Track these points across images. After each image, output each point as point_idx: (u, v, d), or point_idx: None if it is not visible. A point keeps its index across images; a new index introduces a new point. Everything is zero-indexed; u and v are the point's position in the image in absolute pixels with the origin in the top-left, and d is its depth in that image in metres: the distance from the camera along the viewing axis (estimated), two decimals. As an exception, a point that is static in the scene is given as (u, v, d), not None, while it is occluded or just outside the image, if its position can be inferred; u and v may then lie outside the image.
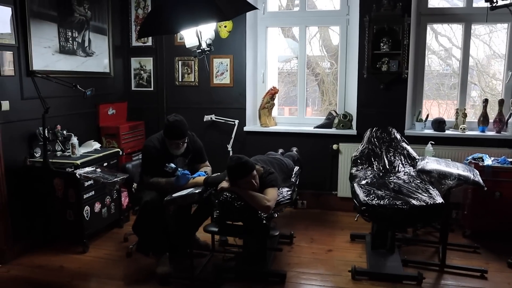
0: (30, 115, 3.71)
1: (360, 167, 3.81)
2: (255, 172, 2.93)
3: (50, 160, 3.66)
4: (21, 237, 3.71)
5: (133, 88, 5.28)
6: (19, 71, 3.64)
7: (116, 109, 4.96)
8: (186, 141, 3.41)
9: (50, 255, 3.71)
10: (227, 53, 4.95)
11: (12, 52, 3.57)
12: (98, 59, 4.66)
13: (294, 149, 4.59)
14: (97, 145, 4.22)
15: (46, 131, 3.60)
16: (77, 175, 3.25)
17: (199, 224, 3.51)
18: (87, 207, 3.77)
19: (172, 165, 3.28)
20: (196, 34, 4.05)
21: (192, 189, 3.22)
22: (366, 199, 2.93)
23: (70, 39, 4.23)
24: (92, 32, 4.53)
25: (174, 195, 3.16)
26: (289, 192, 3.27)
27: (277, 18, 5.05)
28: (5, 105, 3.52)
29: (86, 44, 4.46)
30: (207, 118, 4.95)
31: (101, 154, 4.01)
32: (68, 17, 4.18)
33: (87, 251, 3.78)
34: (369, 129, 4.27)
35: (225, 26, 4.86)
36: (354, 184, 3.28)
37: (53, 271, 3.45)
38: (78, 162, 3.67)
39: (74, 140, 3.85)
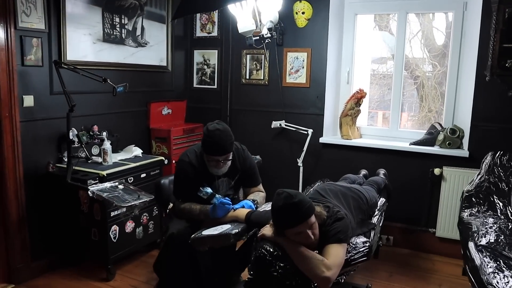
0: (61, 112, 3.07)
1: (476, 209, 2.59)
2: (313, 218, 1.91)
3: (76, 168, 2.99)
4: (40, 255, 3.10)
5: (195, 85, 4.50)
6: (49, 61, 3.01)
7: (173, 109, 4.22)
8: (229, 158, 2.50)
9: (69, 279, 3.06)
10: (304, 46, 3.94)
11: (40, 38, 2.94)
12: (152, 50, 3.94)
13: (382, 171, 3.46)
14: (138, 151, 3.49)
15: (71, 133, 2.92)
16: (89, 192, 2.51)
17: (245, 265, 2.59)
18: (115, 227, 3.04)
19: (208, 189, 2.39)
20: (252, 15, 3.09)
21: (230, 226, 2.30)
22: (493, 281, 1.73)
23: (118, 26, 3.54)
24: (146, 19, 3.82)
25: (204, 232, 2.28)
26: (367, 244, 2.20)
27: (370, 3, 3.90)
28: (29, 100, 2.92)
29: (138, 32, 3.75)
30: (275, 124, 3.99)
31: (138, 164, 3.27)
32: (116, 0, 3.49)
33: (112, 279, 3.06)
34: (489, 153, 3.00)
35: (303, 13, 3.86)
36: (470, 245, 2.09)
37: (65, 303, 2.77)
38: (105, 173, 2.95)
39: (107, 144, 3.14)
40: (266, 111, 4.18)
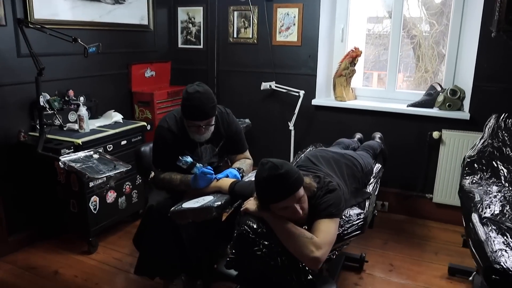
0: (31, 77, 2.79)
1: (478, 176, 2.41)
2: (302, 191, 1.70)
3: (49, 136, 2.76)
4: (18, 229, 2.93)
5: (179, 45, 4.20)
6: (13, 19, 2.71)
7: (156, 71, 3.94)
8: (212, 123, 2.27)
9: (49, 253, 2.89)
10: (296, 1, 3.63)
11: (1, -6, 2.63)
12: (132, 8, 3.62)
13: (378, 135, 3.25)
14: (118, 117, 3.25)
15: (41, 99, 2.67)
16: (60, 164, 2.29)
17: (232, 237, 2.43)
18: (94, 197, 2.85)
19: (188, 158, 2.18)
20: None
21: (212, 198, 2.11)
22: (500, 259, 1.55)
23: (91, -21, 3.21)
24: (123, -28, 3.47)
25: (184, 204, 2.09)
26: (361, 216, 2.02)
27: (367, -47, 3.56)
28: (-9, 63, 2.64)
29: (115, -13, 3.42)
30: (265, 86, 3.74)
31: (118, 130, 3.03)
32: (88, -51, 3.14)
33: (94, 252, 2.91)
34: (493, 116, 2.79)
35: (294, -36, 3.52)
36: (473, 217, 1.90)
37: (44, 278, 2.62)
38: (80, 141, 2.72)
39: (82, 110, 2.89)
40: (255, 72, 3.91)
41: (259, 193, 1.72)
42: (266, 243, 1.62)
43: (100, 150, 2.64)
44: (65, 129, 2.95)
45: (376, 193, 2.50)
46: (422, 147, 3.40)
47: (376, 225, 3.19)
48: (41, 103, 2.66)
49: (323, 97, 3.80)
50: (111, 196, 3.00)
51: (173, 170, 2.30)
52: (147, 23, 3.81)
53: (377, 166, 2.76)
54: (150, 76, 3.91)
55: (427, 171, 3.44)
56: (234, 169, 2.33)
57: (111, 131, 2.98)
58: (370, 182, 2.51)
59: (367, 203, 2.22)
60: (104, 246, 2.99)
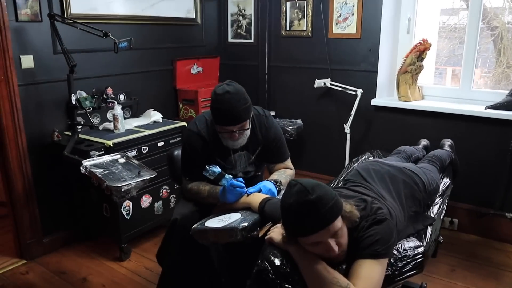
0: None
1: None
2: (339, 222, 1.33)
3: (82, 137, 2.61)
4: (52, 230, 2.83)
5: (229, 40, 3.92)
6: (49, 15, 2.57)
7: (204, 67, 3.71)
8: (246, 127, 1.95)
9: (81, 257, 2.77)
10: (355, -12, 3.19)
11: (37, -12, 2.50)
12: (177, 0, 3.39)
13: (448, 142, 2.75)
14: (157, 116, 3.04)
15: (73, 97, 2.51)
16: (81, 168, 2.10)
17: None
18: (127, 202, 2.66)
19: (215, 168, 1.88)
20: None
21: (239, 217, 1.80)
22: None
23: (133, -29, 3.02)
24: (168, -37, 3.25)
25: (207, 222, 1.81)
26: (420, 250, 1.60)
27: None
28: (27, 61, 2.54)
29: (159, -22, 3.21)
30: (319, 83, 3.34)
31: (154, 131, 2.82)
32: None
33: (126, 259, 2.73)
34: None
35: None
36: None
37: (72, 284, 2.49)
38: (111, 142, 2.53)
39: (117, 109, 2.71)
40: (309, 68, 3.53)
41: (285, 222, 1.37)
42: (288, 286, 1.28)
43: (129, 154, 2.44)
44: (101, 129, 2.80)
45: (442, 217, 2.04)
46: (503, 157, 2.83)
47: (442, 247, 2.71)
48: (73, 102, 2.50)
49: (385, 97, 3.33)
50: (146, 200, 2.80)
51: (203, 180, 2.02)
52: (194, 16, 3.58)
53: (445, 182, 2.29)
54: (197, 73, 3.68)
55: (508, 185, 2.86)
56: (271, 181, 2.00)
57: (147, 132, 2.78)
58: (435, 202, 2.06)
59: (429, 231, 1.79)
60: (137, 253, 2.81)
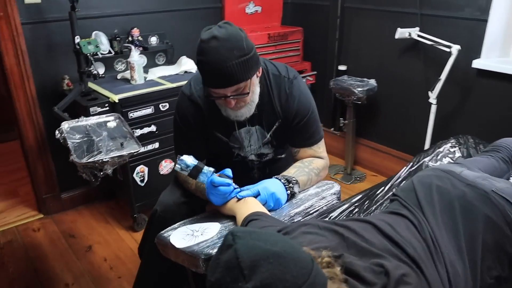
0: (85, 10, 2.22)
1: None
2: None
3: (93, 87, 2.21)
4: (71, 187, 2.56)
5: (298, -28, 3.12)
6: None
7: (263, 6, 3.01)
8: (246, 91, 1.31)
9: (96, 220, 2.50)
10: None
11: None
12: None
13: None
14: (189, 65, 2.50)
15: (76, 40, 2.05)
16: (56, 132, 1.67)
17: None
18: (142, 167, 2.25)
19: (187, 159, 1.30)
20: None
21: (216, 232, 1.25)
22: None
23: None
24: None
25: (178, 230, 1.30)
26: None
27: None
28: (32, -6, 2.12)
29: None
30: (402, 33, 2.47)
31: (178, 84, 2.28)
32: None
33: (140, 229, 2.37)
34: None
35: None
36: None
37: (75, 253, 2.22)
38: (116, 97, 2.07)
39: (134, 56, 2.22)
40: (392, 12, 2.64)
41: None
42: None
43: (141, 112, 2.03)
44: (119, 78, 2.35)
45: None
46: None
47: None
48: (77, 46, 2.05)
49: (494, 58, 2.34)
50: (166, 166, 2.36)
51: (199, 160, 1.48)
52: None
53: None
54: (254, 13, 3.00)
55: None
56: (280, 179, 1.37)
57: (169, 85, 2.26)
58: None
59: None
60: (153, 224, 2.44)
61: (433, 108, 2.43)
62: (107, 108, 2.06)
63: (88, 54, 2.04)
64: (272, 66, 1.47)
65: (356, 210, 1.51)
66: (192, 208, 1.50)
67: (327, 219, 1.39)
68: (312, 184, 1.46)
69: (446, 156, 1.75)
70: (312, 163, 1.49)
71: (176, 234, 1.27)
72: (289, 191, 1.35)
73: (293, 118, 1.45)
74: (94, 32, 2.29)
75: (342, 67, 3.01)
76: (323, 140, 1.55)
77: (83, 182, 2.57)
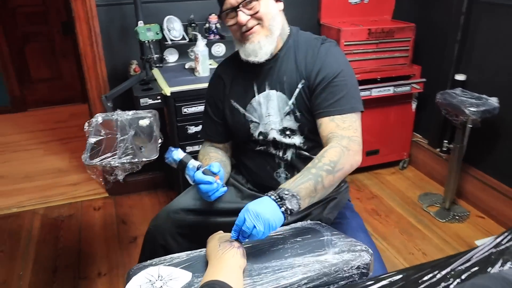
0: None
1: None
2: None
3: (158, 76, 2.06)
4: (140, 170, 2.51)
5: (421, -46, 2.52)
6: None
7: (372, -5, 2.53)
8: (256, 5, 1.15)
9: (153, 209, 2.43)
10: None
11: None
12: None
13: None
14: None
15: (139, 24, 1.91)
16: (85, 125, 1.54)
17: None
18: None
19: (176, 152, 1.22)
20: None
21: (179, 286, 0.97)
22: None
23: None
24: None
25: (145, 271, 1.05)
26: None
27: None
28: (110, -27, 2.04)
29: None
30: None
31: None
32: None
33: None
34: None
35: None
36: None
37: (121, 240, 2.15)
38: (169, 91, 1.88)
39: (199, 45, 2.00)
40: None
41: None
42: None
43: (193, 109, 1.80)
44: (186, 67, 2.17)
45: None
46: None
47: None
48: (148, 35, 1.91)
49: None
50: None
51: (216, 143, 1.42)
52: None
53: None
54: (359, 3, 2.54)
55: None
56: (270, 196, 0.98)
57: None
58: None
59: None
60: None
61: None
62: (159, 101, 1.90)
63: (147, 41, 1.89)
64: (307, 33, 1.30)
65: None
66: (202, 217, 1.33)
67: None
68: (327, 185, 1.05)
69: None
70: (323, 157, 1.07)
71: (135, 279, 1.03)
72: (284, 209, 0.96)
73: (316, 75, 1.18)
74: (166, 17, 2.14)
75: (459, 77, 2.37)
76: (355, 115, 1.16)
77: (149, 167, 2.52)
